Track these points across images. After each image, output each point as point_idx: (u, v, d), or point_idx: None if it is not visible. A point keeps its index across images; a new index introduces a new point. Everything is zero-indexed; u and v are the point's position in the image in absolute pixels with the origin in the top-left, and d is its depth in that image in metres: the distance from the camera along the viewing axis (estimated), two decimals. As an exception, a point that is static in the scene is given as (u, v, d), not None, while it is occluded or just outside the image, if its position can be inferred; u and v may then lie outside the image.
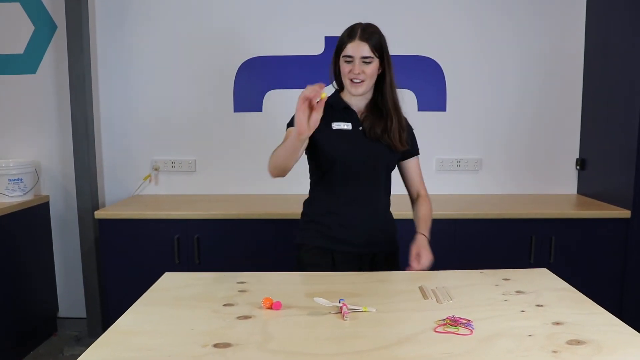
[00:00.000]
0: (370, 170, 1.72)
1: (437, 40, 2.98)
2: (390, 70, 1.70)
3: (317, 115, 1.38)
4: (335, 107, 1.72)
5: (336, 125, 1.71)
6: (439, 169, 3.06)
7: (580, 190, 3.05)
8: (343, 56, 1.65)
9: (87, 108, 2.85)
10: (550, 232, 2.56)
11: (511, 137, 3.05)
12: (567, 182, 3.09)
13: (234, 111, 3.02)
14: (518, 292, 1.39)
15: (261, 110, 3.00)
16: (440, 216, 2.55)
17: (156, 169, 3.07)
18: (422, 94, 3.01)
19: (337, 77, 1.74)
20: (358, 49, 1.62)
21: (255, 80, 3.00)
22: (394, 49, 2.91)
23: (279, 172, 1.61)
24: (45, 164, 3.06)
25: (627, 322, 1.18)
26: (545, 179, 3.08)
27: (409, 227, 1.78)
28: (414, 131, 1.84)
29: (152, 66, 3.00)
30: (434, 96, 3.01)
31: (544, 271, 1.59)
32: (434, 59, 2.99)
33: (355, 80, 1.64)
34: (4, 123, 3.03)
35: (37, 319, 2.97)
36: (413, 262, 1.64)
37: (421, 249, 1.67)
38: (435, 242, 2.53)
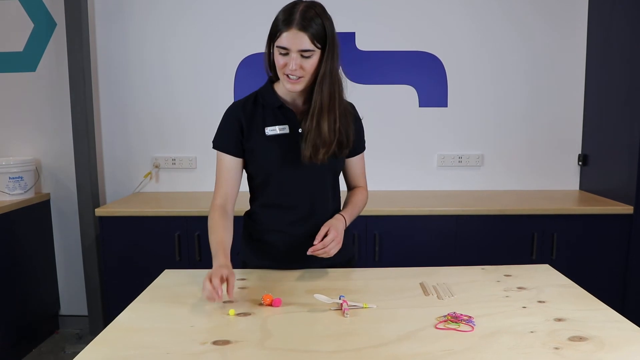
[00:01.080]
0: (314, 179, 1.50)
1: (439, 36, 2.96)
2: (333, 61, 1.37)
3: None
4: (269, 107, 1.48)
5: (270, 131, 1.46)
6: (440, 165, 3.05)
7: (583, 186, 3.04)
8: (278, 46, 1.35)
9: (87, 105, 2.85)
10: (552, 228, 2.55)
11: (513, 133, 3.04)
12: (569, 178, 3.08)
13: (234, 108, 3.01)
14: (520, 288, 1.38)
15: (261, 107, 2.99)
16: (441, 212, 2.55)
17: (157, 167, 3.06)
18: (423, 90, 3.00)
19: (272, 65, 1.43)
20: (295, 40, 1.32)
21: (256, 76, 2.97)
22: (395, 45, 2.97)
23: None
24: (46, 162, 3.06)
25: (630, 318, 1.17)
26: (547, 175, 3.07)
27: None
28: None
29: (152, 63, 2.99)
30: (435, 92, 3.00)
31: (546, 267, 1.58)
32: (435, 54, 2.97)
33: (291, 77, 1.36)
34: (4, 121, 3.02)
35: (39, 317, 2.97)
36: (316, 240, 1.39)
37: (331, 227, 1.42)
38: (436, 239, 2.56)
